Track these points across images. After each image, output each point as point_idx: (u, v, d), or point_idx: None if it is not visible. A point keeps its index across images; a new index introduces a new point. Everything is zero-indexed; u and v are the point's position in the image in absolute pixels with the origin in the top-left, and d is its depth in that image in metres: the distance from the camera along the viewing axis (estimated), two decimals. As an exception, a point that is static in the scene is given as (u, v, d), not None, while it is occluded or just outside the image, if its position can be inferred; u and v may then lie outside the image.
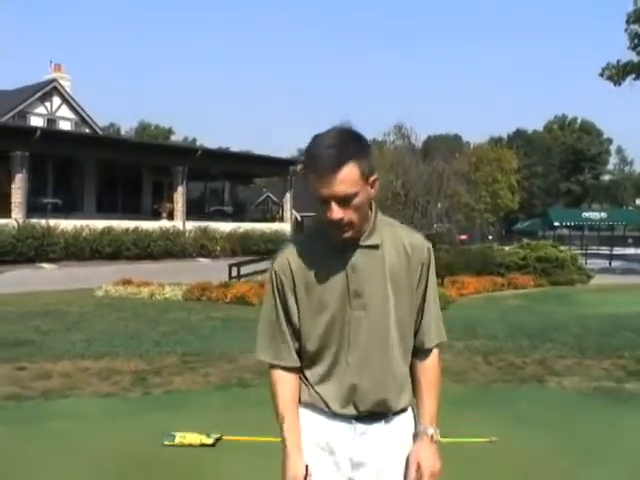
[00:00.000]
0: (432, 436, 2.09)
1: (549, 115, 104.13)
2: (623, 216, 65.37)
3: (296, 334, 2.11)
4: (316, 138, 2.00)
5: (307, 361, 2.13)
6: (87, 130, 41.12)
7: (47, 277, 20.99)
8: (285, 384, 2.13)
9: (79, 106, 42.32)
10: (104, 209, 32.52)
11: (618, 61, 34.33)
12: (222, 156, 37.23)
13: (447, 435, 4.98)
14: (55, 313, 11.75)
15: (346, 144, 1.95)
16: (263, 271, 17.38)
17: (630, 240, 62.82)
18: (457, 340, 9.44)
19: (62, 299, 13.99)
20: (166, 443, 4.93)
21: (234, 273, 19.84)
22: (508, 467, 4.68)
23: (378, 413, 2.10)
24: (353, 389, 2.07)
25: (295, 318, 2.10)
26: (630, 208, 79.84)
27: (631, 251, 53.23)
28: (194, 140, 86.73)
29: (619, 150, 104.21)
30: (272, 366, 2.15)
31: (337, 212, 1.93)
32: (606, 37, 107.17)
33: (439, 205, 36.25)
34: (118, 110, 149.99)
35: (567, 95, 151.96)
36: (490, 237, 62.08)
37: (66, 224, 26.43)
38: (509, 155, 73.25)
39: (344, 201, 1.93)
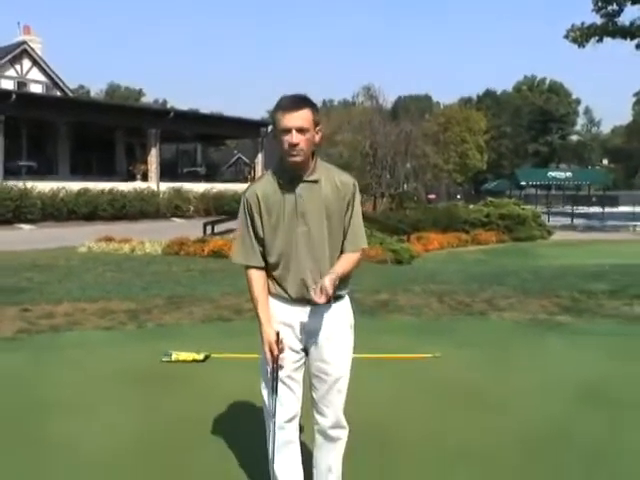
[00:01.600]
0: (332, 276, 2.94)
1: (519, 76, 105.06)
2: (588, 176, 66.89)
3: (261, 243, 3.10)
4: (285, 95, 3.03)
5: (271, 264, 3.12)
6: (58, 93, 41.27)
7: (27, 237, 21.62)
8: (256, 279, 3.13)
9: (50, 68, 42.38)
10: (78, 171, 33.04)
11: (582, 23, 35.15)
12: (194, 118, 37.73)
13: (399, 352, 6.07)
14: (44, 267, 12.55)
15: (305, 98, 3.01)
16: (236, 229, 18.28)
17: (594, 199, 64.07)
18: (416, 285, 10.49)
19: (47, 256, 14.76)
20: (164, 360, 5.93)
21: (209, 231, 20.79)
22: (448, 376, 5.71)
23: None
24: (303, 282, 3.06)
25: (260, 232, 3.08)
26: (597, 168, 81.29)
27: (595, 210, 54.51)
28: (164, 102, 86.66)
29: (587, 111, 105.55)
30: (246, 267, 3.14)
31: (296, 137, 2.92)
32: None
33: (408, 165, 37.31)
34: (86, 72, 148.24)
35: (537, 56, 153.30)
36: (458, 196, 63.23)
37: (43, 186, 26.98)
38: (478, 116, 74.11)
39: (300, 131, 2.92)
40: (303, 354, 3.16)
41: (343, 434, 3.25)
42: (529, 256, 21.10)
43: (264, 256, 3.11)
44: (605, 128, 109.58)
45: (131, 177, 34.33)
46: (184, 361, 5.92)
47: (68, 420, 4.61)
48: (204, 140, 42.27)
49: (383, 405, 4.96)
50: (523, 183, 59.85)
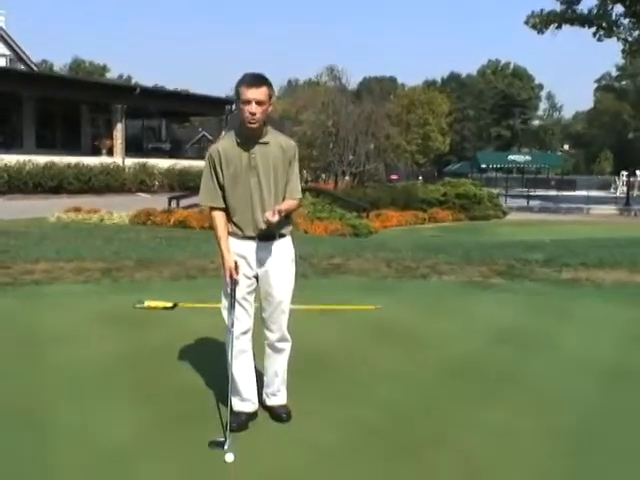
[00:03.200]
0: (279, 208, 3.77)
1: (483, 60, 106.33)
2: (546, 159, 68.57)
3: (222, 190, 3.90)
4: (248, 73, 3.82)
5: (230, 208, 3.93)
6: (22, 67, 41.26)
7: (-5, 208, 22.03)
8: (219, 218, 3.94)
9: (14, 42, 42.28)
10: (44, 145, 33.26)
11: (542, 10, 36.21)
12: (160, 95, 38.06)
13: (345, 303, 6.89)
14: (17, 233, 13.17)
15: (264, 77, 3.80)
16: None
17: (553, 182, 65.57)
18: (368, 252, 11.36)
19: (19, 224, 15.35)
20: (137, 306, 6.71)
21: (173, 205, 21.47)
22: (386, 321, 6.57)
23: (270, 235, 3.93)
24: (255, 222, 3.88)
25: (221, 180, 3.88)
26: (559, 153, 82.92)
27: (552, 193, 55.93)
28: (129, 78, 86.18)
29: (549, 96, 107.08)
30: (211, 208, 3.94)
31: (255, 108, 3.72)
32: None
33: (372, 146, 38.17)
34: (50, 46, 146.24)
35: (501, 41, 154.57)
36: (420, 178, 64.36)
37: (9, 159, 27.28)
38: (441, 98, 75.08)
39: (258, 103, 3.72)
40: (254, 280, 3.99)
41: (287, 346, 4.10)
42: (481, 233, 22.15)
43: (225, 200, 3.91)
44: (567, 114, 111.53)
45: (96, 152, 34.64)
46: (155, 308, 6.71)
47: (60, 349, 5.42)
48: (169, 117, 42.61)
49: (328, 342, 5.80)
50: (484, 166, 61.20)
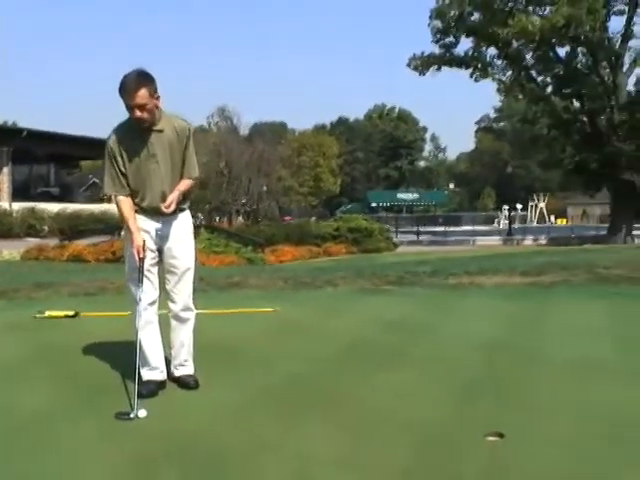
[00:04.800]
0: (175, 194, 4.12)
1: (370, 104, 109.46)
2: (433, 197, 71.23)
3: (125, 177, 4.15)
4: (125, 77, 4.02)
5: (134, 191, 4.19)
6: None
7: None
8: (124, 202, 4.20)
9: None
10: None
11: (422, 52, 37.96)
12: (48, 137, 37.29)
13: (246, 307, 7.17)
14: None
15: (141, 80, 4.01)
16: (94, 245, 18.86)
17: (440, 220, 67.84)
18: (265, 273, 11.69)
19: None
20: (38, 316, 6.77)
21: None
22: (284, 320, 6.89)
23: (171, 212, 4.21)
24: (156, 202, 4.15)
25: (123, 168, 4.14)
26: (445, 192, 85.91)
27: (440, 229, 57.87)
28: (15, 124, 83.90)
29: (433, 138, 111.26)
30: (117, 196, 4.18)
31: (138, 113, 3.99)
32: (420, 30, 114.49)
33: (264, 188, 38.73)
34: None
35: (386, 85, 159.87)
36: (313, 218, 65.41)
37: None
38: (330, 141, 77.00)
39: (140, 107, 3.98)
40: (157, 253, 4.27)
41: (192, 315, 4.38)
42: (374, 262, 22.80)
43: (129, 185, 4.18)
44: (451, 154, 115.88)
45: (-18, 197, 33.58)
46: (56, 317, 6.78)
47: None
48: (58, 161, 41.80)
49: (233, 336, 6.07)
50: (374, 205, 62.91)
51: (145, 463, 3.17)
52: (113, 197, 4.27)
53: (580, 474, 3.04)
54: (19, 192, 34.66)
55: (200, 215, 34.90)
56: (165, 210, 4.06)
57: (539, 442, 3.37)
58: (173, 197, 4.09)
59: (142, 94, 3.94)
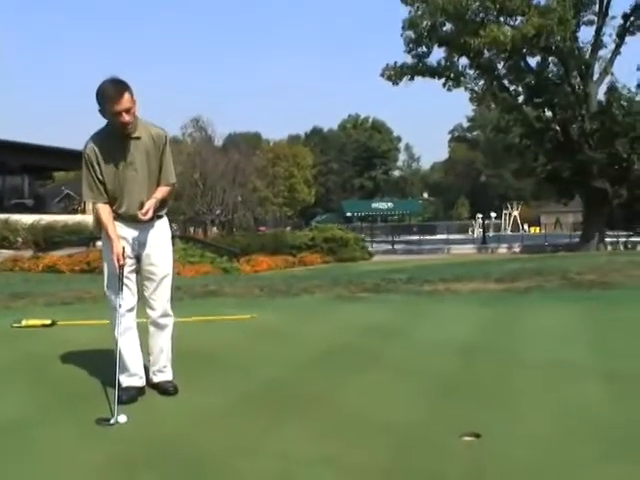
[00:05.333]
0: (152, 201, 4.14)
1: (343, 114, 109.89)
2: (407, 206, 71.69)
3: (103, 184, 4.16)
4: (103, 85, 4.04)
5: (111, 198, 4.21)
6: None
7: None
8: (103, 209, 4.20)
9: None
10: None
11: (395, 62, 38.24)
12: (20, 148, 37.02)
13: (224, 314, 7.19)
14: None
15: (123, 85, 4.05)
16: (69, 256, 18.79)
17: (415, 229, 68.21)
18: (241, 282, 11.71)
19: None
20: (15, 325, 6.73)
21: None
22: (261, 327, 6.91)
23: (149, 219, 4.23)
24: (134, 209, 4.17)
25: (100, 176, 4.15)
26: (420, 202, 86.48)
27: (415, 237, 58.16)
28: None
29: (407, 147, 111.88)
30: (95, 203, 4.19)
31: (126, 117, 4.02)
32: (393, 40, 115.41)
33: (239, 198, 38.73)
34: None
35: (360, 95, 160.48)
36: (288, 228, 65.46)
37: None
38: (304, 151, 77.18)
39: (127, 111, 4.01)
40: (135, 260, 4.28)
41: (170, 321, 4.40)
42: (350, 269, 22.89)
43: (107, 193, 4.19)
44: (425, 164, 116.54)
45: (-47, 209, 33.22)
46: (33, 326, 6.75)
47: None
48: (31, 172, 41.47)
49: (208, 343, 6.07)
50: (349, 214, 63.13)
51: (125, 467, 3.20)
52: (91, 204, 4.28)
53: (556, 471, 3.11)
54: (-9, 204, 34.33)
55: (174, 226, 34.81)
56: (142, 217, 4.08)
57: (516, 441, 3.44)
58: (150, 204, 4.10)
59: (127, 98, 3.99)
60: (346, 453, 3.32)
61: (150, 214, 4.11)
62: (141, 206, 4.14)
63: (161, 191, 4.25)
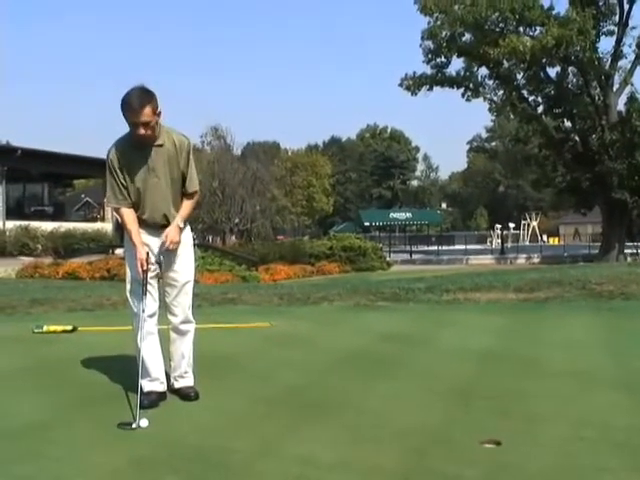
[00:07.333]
0: (178, 224, 4.25)
1: (362, 124, 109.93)
2: (426, 216, 71.35)
3: (126, 189, 4.21)
4: (128, 94, 4.08)
5: (135, 204, 4.25)
6: None
7: None
8: (127, 214, 4.26)
9: None
10: None
11: (414, 73, 38.28)
12: (42, 155, 37.33)
13: (242, 322, 7.23)
14: None
15: (146, 98, 4.07)
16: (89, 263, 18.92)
17: (433, 239, 68.02)
18: (260, 290, 11.74)
19: None
20: (36, 331, 6.81)
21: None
22: (280, 334, 6.96)
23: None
24: (157, 215, 4.25)
25: (124, 181, 4.20)
26: (438, 212, 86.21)
27: (433, 248, 58.01)
28: (8, 143, 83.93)
29: (425, 157, 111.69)
30: (119, 208, 4.24)
31: (142, 131, 4.05)
32: (412, 50, 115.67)
33: (258, 207, 38.86)
34: None
35: (378, 105, 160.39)
36: (306, 237, 65.52)
37: None
38: (323, 160, 77.24)
39: (145, 125, 4.04)
40: (157, 266, 4.32)
41: (191, 327, 4.44)
42: (368, 278, 22.87)
43: (130, 198, 4.25)
44: (443, 174, 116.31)
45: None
46: (54, 331, 6.82)
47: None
48: (52, 180, 41.84)
49: (228, 349, 6.12)
50: (367, 224, 63.00)
51: (148, 470, 3.23)
52: (115, 209, 4.33)
53: (575, 477, 3.11)
54: (13, 211, 34.67)
55: (193, 234, 34.97)
56: (171, 247, 4.19)
57: (535, 449, 3.44)
58: (174, 229, 4.23)
59: (147, 112, 3.99)
60: (366, 457, 3.34)
61: (177, 239, 4.23)
62: (164, 213, 4.22)
63: (185, 207, 4.32)
